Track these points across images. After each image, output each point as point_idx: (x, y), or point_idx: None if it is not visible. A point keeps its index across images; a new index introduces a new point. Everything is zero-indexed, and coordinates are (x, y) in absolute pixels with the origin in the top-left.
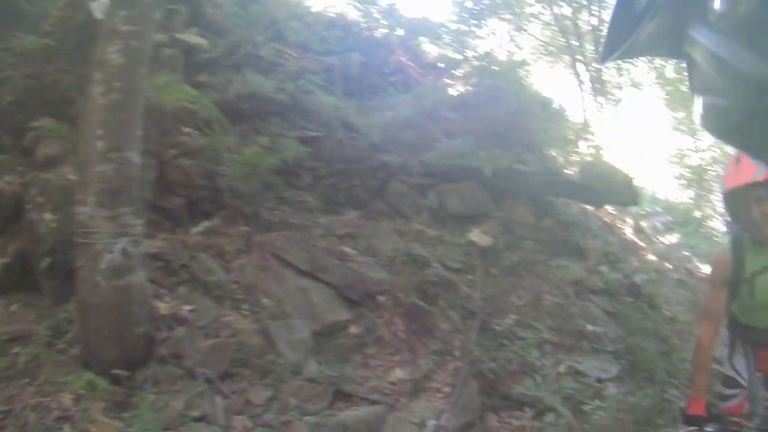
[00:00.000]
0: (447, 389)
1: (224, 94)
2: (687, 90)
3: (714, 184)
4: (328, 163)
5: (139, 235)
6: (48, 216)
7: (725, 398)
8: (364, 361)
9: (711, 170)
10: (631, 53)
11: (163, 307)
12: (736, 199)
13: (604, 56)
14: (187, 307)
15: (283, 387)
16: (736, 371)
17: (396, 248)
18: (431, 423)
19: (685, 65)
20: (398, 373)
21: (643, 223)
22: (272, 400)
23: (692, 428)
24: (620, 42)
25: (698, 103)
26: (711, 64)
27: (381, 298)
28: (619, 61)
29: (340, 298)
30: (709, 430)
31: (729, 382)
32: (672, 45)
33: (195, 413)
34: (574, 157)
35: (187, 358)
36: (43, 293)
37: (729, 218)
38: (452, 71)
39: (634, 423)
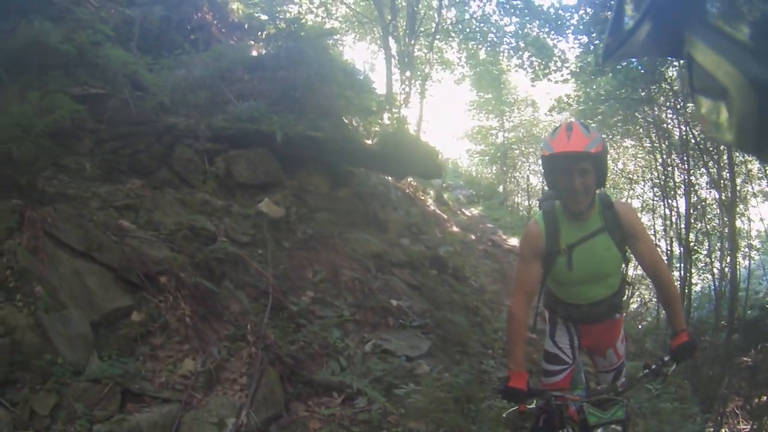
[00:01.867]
0: (243, 380)
1: (8, 41)
2: (497, 72)
3: (517, 161)
4: (110, 125)
5: None
6: None
7: (549, 374)
8: (151, 352)
9: (515, 149)
10: (631, 53)
11: None
12: (559, 165)
13: (605, 56)
14: None
15: (67, 391)
16: (559, 348)
17: (179, 221)
18: (231, 421)
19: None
20: (189, 365)
21: (446, 196)
22: (58, 408)
23: (513, 407)
24: (620, 43)
25: (699, 104)
26: (711, 64)
27: (163, 279)
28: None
29: (119, 281)
30: (530, 406)
31: (552, 358)
32: (672, 45)
33: None
34: (376, 128)
35: None
36: None
37: (546, 184)
38: (257, 33)
39: (453, 401)
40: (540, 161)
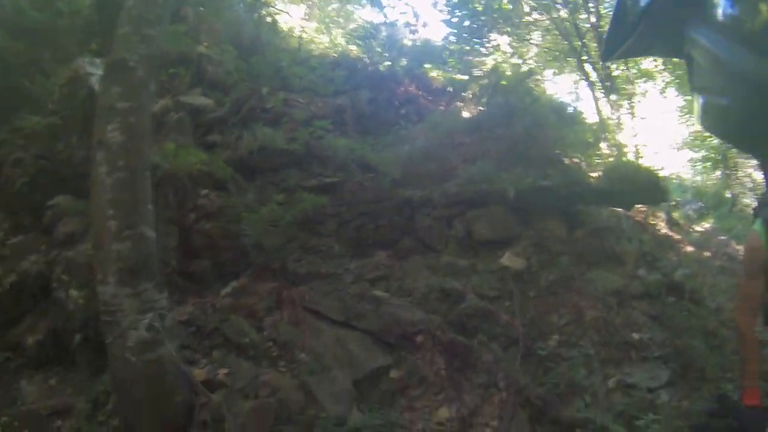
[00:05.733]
0: (495, 423)
1: (236, 151)
2: None
3: (738, 160)
4: (350, 207)
5: (163, 308)
6: (74, 293)
7: None
8: (408, 404)
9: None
10: (631, 53)
11: (199, 373)
12: None
13: (605, 56)
14: (224, 371)
15: None
16: None
17: (429, 284)
18: None
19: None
20: (444, 413)
21: (676, 215)
22: None
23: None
24: (621, 42)
25: (698, 103)
26: (711, 64)
27: (419, 338)
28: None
29: (377, 343)
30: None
31: None
32: (672, 45)
33: None
34: (597, 160)
35: (228, 421)
36: (78, 367)
37: (765, 193)
38: (462, 93)
39: (691, 428)
40: None
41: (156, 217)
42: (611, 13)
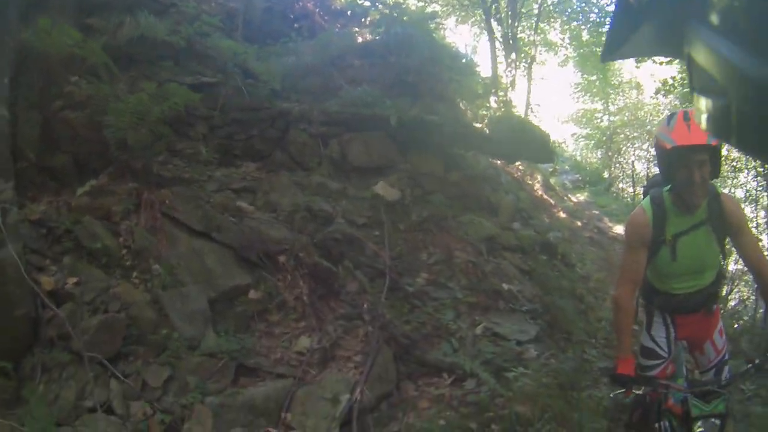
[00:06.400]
0: (358, 357)
1: (114, 37)
2: (600, 53)
3: (622, 146)
4: (223, 112)
5: (8, 201)
6: None
7: (645, 369)
8: (267, 329)
9: (620, 133)
10: (631, 53)
11: (47, 281)
12: (679, 158)
13: (605, 56)
14: (73, 280)
15: (181, 364)
16: (655, 342)
17: (296, 203)
18: (345, 398)
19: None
20: (305, 342)
21: (553, 181)
22: (171, 380)
23: (620, 390)
24: (621, 41)
25: (699, 104)
26: (711, 64)
27: (282, 259)
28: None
29: (237, 259)
30: (637, 391)
31: (648, 353)
32: (672, 45)
33: (89, 403)
34: (483, 112)
35: (76, 339)
36: None
37: (661, 176)
38: (361, 19)
39: (558, 387)
40: (655, 152)
41: (16, 100)
42: (612, 11)
